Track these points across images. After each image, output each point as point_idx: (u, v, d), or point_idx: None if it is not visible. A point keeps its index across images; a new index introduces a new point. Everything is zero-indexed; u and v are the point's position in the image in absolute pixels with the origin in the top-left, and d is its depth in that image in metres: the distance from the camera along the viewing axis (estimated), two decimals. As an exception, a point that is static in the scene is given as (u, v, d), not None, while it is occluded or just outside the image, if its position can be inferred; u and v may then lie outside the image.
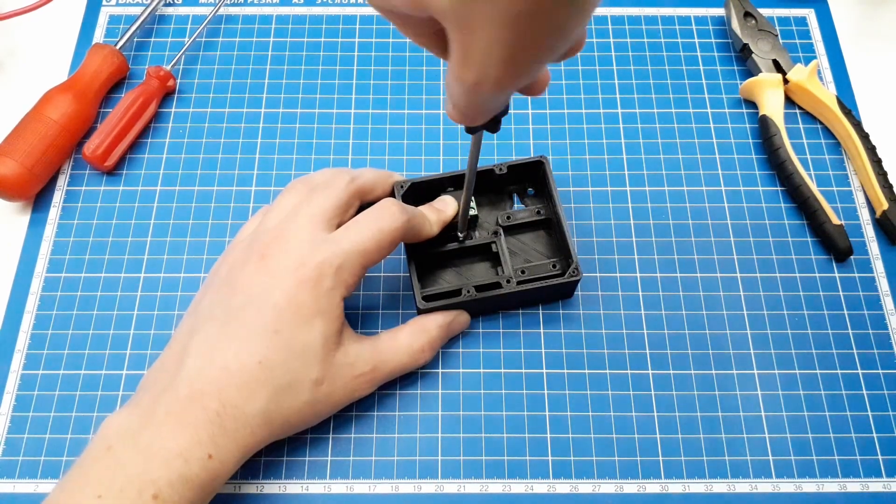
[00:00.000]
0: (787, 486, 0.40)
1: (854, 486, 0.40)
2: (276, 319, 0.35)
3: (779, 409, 0.42)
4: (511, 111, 0.51)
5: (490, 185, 0.46)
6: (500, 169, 0.44)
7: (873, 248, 0.46)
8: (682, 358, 0.43)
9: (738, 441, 0.41)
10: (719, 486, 0.40)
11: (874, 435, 0.41)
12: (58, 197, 0.48)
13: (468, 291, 0.41)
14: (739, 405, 0.42)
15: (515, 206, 0.46)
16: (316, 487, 0.40)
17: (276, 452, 0.41)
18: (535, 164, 0.44)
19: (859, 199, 0.48)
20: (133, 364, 0.43)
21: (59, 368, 0.43)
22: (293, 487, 0.40)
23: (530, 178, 0.46)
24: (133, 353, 0.43)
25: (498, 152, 0.49)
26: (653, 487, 0.40)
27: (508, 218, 0.44)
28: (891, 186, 0.47)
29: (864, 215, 0.47)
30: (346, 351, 0.37)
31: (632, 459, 0.41)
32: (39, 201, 0.48)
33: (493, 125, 0.29)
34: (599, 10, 0.55)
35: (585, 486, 0.40)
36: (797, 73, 0.50)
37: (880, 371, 0.43)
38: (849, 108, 0.49)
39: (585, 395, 0.42)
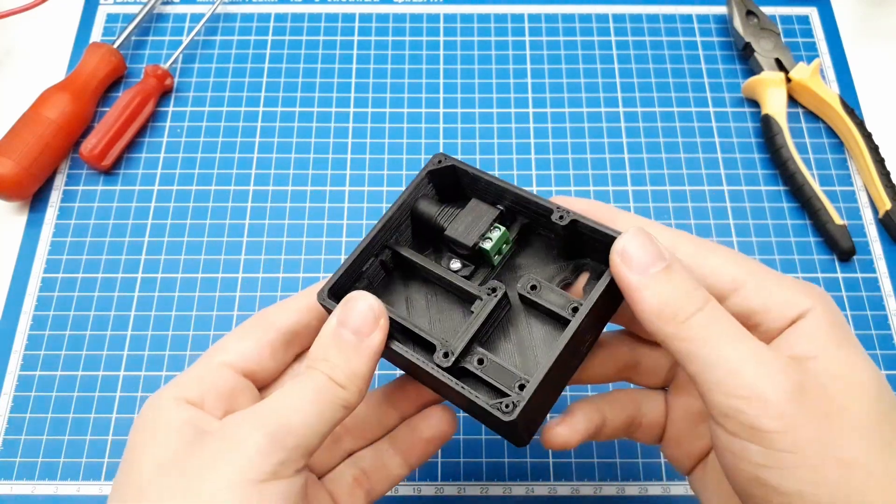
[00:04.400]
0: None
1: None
2: None
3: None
4: (512, 109, 0.50)
5: (540, 228, 0.31)
6: (561, 216, 0.28)
7: (876, 248, 0.46)
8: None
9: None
10: (721, 489, 0.40)
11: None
12: (55, 197, 0.48)
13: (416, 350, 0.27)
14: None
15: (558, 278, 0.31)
16: (315, 490, 0.40)
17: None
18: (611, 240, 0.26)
19: (862, 198, 0.48)
20: (130, 365, 0.43)
21: (56, 369, 0.42)
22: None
23: (596, 255, 0.29)
24: (130, 353, 0.43)
25: (498, 151, 0.49)
26: (654, 489, 0.40)
27: (534, 288, 0.28)
28: (894, 186, 0.46)
29: (868, 215, 0.47)
30: None
31: (633, 461, 0.40)
32: (36, 201, 0.48)
33: None
34: (600, 8, 0.54)
35: (586, 489, 0.40)
36: (799, 72, 0.49)
37: (884, 372, 0.43)
38: (851, 108, 0.49)
39: (587, 396, 0.42)
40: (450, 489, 0.40)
